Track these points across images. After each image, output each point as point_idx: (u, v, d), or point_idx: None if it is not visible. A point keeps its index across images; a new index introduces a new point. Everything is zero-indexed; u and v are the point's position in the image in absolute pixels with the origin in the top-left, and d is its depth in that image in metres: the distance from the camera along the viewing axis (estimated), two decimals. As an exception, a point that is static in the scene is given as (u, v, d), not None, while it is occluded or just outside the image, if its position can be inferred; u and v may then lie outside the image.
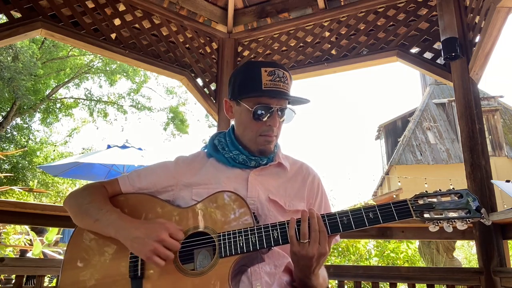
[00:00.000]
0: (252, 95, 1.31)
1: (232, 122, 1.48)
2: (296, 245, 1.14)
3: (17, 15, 2.55)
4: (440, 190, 1.16)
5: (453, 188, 1.16)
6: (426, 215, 1.11)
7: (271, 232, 1.16)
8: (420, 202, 1.13)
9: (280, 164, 1.44)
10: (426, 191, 1.16)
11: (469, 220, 1.08)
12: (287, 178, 1.43)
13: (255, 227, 1.17)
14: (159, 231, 1.14)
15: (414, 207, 1.12)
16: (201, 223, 1.24)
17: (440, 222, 1.10)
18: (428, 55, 2.73)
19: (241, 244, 1.15)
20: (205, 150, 1.50)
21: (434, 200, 1.13)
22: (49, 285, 3.74)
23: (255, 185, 1.34)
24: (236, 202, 1.23)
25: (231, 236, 1.17)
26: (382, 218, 1.13)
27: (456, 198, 1.12)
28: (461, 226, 1.09)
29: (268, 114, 1.32)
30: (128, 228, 1.18)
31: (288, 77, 1.33)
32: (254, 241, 1.15)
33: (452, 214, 1.10)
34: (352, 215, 1.14)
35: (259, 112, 1.31)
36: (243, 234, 1.17)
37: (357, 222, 1.14)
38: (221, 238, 1.18)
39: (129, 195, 1.38)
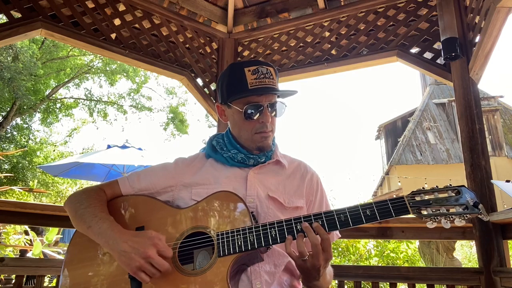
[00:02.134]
0: (240, 96, 1.33)
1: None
2: (298, 261, 1.14)
3: (17, 15, 2.54)
4: (437, 186, 1.15)
5: (450, 185, 1.15)
6: (423, 212, 1.10)
7: (269, 231, 1.16)
8: (417, 198, 1.12)
9: (279, 162, 1.45)
10: (423, 188, 1.15)
11: (466, 216, 1.08)
12: (286, 176, 1.44)
13: (253, 226, 1.18)
14: (147, 248, 1.12)
15: (411, 204, 1.11)
16: (200, 223, 1.24)
17: (437, 218, 1.09)
18: (428, 55, 2.73)
19: (239, 243, 1.16)
20: (204, 152, 1.51)
21: (432, 196, 1.12)
22: (49, 285, 3.74)
23: (254, 184, 1.35)
24: (234, 202, 1.24)
25: (229, 235, 1.18)
26: (379, 215, 1.12)
27: (454, 194, 1.11)
28: (459, 222, 1.08)
29: (259, 112, 1.33)
30: (116, 239, 1.16)
31: (272, 72, 1.35)
32: (252, 240, 1.15)
33: (450, 210, 1.09)
34: (349, 212, 1.14)
35: (250, 111, 1.33)
36: (241, 233, 1.17)
37: (354, 219, 1.13)
38: (220, 237, 1.18)
39: (129, 196, 1.38)
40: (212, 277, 1.14)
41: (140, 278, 1.12)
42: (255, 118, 1.34)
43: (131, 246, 1.13)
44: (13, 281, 2.25)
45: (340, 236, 1.49)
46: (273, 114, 1.38)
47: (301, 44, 3.16)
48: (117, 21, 2.91)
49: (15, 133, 17.78)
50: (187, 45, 3.22)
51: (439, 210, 1.09)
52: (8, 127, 16.73)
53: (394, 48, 2.78)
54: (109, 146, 7.70)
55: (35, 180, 15.40)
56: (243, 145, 1.41)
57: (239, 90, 1.32)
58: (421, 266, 5.34)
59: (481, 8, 2.20)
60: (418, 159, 14.66)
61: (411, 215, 1.12)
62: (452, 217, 1.08)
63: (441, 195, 1.12)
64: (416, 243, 5.53)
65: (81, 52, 17.09)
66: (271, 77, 1.34)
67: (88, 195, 1.34)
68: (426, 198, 1.12)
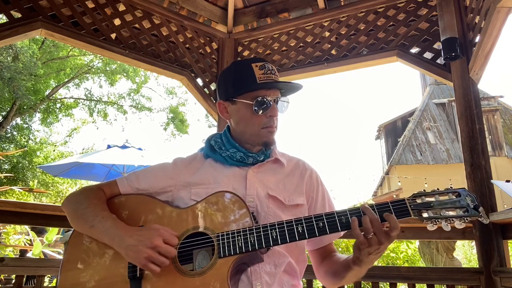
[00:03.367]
0: (249, 90, 1.34)
1: (228, 123, 1.49)
2: (361, 238, 1.10)
3: (17, 15, 2.55)
4: (438, 189, 1.15)
5: (451, 187, 1.15)
6: (424, 214, 1.11)
7: (269, 232, 1.16)
8: (418, 201, 1.13)
9: (277, 160, 1.45)
10: (424, 190, 1.16)
11: (467, 219, 1.08)
12: (285, 174, 1.43)
13: (253, 227, 1.17)
14: (152, 238, 1.13)
15: (412, 206, 1.12)
16: (200, 223, 1.24)
17: (438, 221, 1.09)
18: (428, 55, 2.73)
19: (240, 244, 1.15)
20: (202, 152, 1.50)
21: (432, 199, 1.13)
22: (49, 285, 3.74)
23: (253, 183, 1.35)
24: (234, 202, 1.23)
25: (230, 236, 1.17)
26: (380, 217, 1.12)
27: (454, 197, 1.12)
28: (459, 225, 1.09)
29: (268, 106, 1.34)
30: (122, 236, 1.17)
31: (275, 69, 1.38)
32: (253, 241, 1.15)
33: (450, 213, 1.10)
34: (350, 214, 1.14)
35: (260, 105, 1.33)
36: (241, 234, 1.17)
37: None
38: (220, 238, 1.18)
39: (128, 196, 1.38)
40: (213, 277, 1.14)
41: (150, 269, 1.12)
42: (264, 112, 1.34)
43: (137, 239, 1.14)
44: (13, 281, 2.25)
45: (341, 234, 1.48)
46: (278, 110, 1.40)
47: (301, 44, 3.16)
48: (117, 21, 2.92)
49: (15, 133, 17.77)
50: (187, 45, 3.22)
51: (440, 213, 1.10)
52: (8, 127, 16.73)
53: (394, 48, 2.79)
54: (109, 146, 7.70)
55: (35, 180, 15.40)
56: (242, 144, 1.41)
57: (248, 84, 1.33)
58: (421, 266, 5.34)
59: (481, 8, 2.20)
60: (418, 159, 14.66)
61: (411, 217, 1.12)
62: (452, 220, 1.09)
63: (441, 198, 1.13)
64: (416, 243, 5.53)
65: (81, 52, 17.09)
66: (275, 73, 1.36)
67: (87, 195, 1.34)
68: (427, 201, 1.12)
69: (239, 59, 3.35)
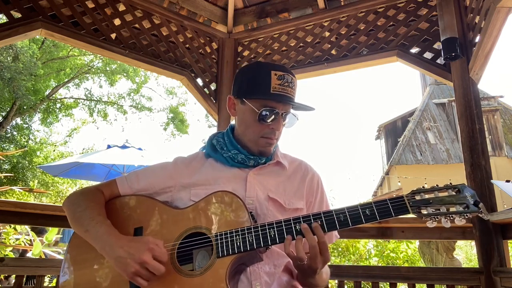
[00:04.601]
0: (260, 97, 1.31)
1: (232, 122, 1.48)
2: (295, 261, 1.15)
3: (17, 15, 2.54)
4: (437, 185, 1.14)
5: (450, 183, 1.13)
6: (423, 211, 1.09)
7: (268, 231, 1.15)
8: (417, 197, 1.11)
9: (279, 163, 1.44)
10: (423, 187, 1.14)
11: (467, 215, 1.07)
12: (286, 177, 1.43)
13: (252, 227, 1.17)
14: (142, 253, 1.12)
15: (411, 203, 1.10)
16: (199, 223, 1.24)
17: (437, 218, 1.08)
18: (428, 55, 2.73)
19: (238, 243, 1.15)
20: (204, 151, 1.49)
21: (432, 195, 1.11)
22: (49, 285, 3.74)
23: (253, 185, 1.34)
24: (233, 202, 1.23)
25: (228, 235, 1.17)
26: (378, 214, 1.11)
27: (454, 193, 1.10)
28: (459, 221, 1.07)
29: (273, 118, 1.32)
30: (112, 245, 1.16)
31: (295, 83, 1.34)
32: (251, 240, 1.15)
33: (450, 209, 1.08)
34: (348, 212, 1.13)
35: (265, 114, 1.31)
36: (240, 233, 1.17)
37: (353, 219, 1.12)
38: (218, 238, 1.18)
39: (127, 196, 1.38)
40: (211, 278, 1.14)
41: (137, 283, 1.12)
42: (267, 122, 1.32)
43: (126, 251, 1.13)
44: (13, 281, 2.25)
45: (339, 237, 1.49)
46: (283, 123, 1.37)
47: (301, 44, 3.16)
48: (117, 21, 2.91)
49: (15, 133, 17.76)
50: (187, 45, 3.22)
51: (439, 209, 1.08)
52: (8, 127, 16.72)
53: (394, 48, 2.78)
54: (109, 146, 7.70)
55: (35, 180, 15.38)
56: (244, 145, 1.40)
57: (260, 91, 1.30)
58: (421, 266, 5.33)
59: (481, 8, 2.20)
60: (418, 159, 14.65)
61: (411, 215, 1.11)
62: (452, 216, 1.07)
63: (441, 194, 1.11)
64: (416, 243, 5.53)
65: (81, 52, 17.08)
66: (293, 87, 1.32)
67: (86, 196, 1.33)
68: (426, 197, 1.10)
69: (239, 59, 3.35)
